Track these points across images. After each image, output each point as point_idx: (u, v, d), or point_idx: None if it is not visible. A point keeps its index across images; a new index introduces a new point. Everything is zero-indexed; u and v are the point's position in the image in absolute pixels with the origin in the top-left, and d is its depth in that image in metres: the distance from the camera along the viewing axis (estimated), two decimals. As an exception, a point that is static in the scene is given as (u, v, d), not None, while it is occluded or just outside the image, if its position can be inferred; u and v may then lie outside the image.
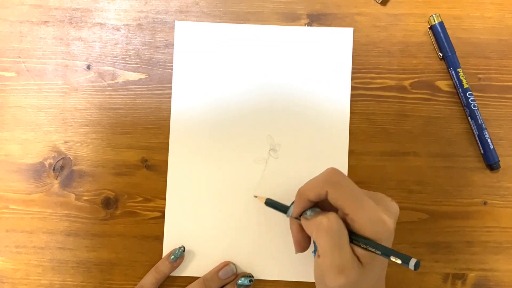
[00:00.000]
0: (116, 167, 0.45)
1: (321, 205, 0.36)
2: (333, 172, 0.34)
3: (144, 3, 0.46)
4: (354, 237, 0.33)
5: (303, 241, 0.38)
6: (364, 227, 0.32)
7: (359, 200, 0.33)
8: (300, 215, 0.36)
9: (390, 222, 0.33)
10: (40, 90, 0.46)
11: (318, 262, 0.34)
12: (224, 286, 0.43)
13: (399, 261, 0.31)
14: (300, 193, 0.36)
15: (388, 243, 0.33)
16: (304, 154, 0.44)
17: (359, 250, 0.33)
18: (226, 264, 0.43)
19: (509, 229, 0.45)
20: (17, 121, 0.45)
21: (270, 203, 0.40)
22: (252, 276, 0.43)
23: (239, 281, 0.42)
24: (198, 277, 0.43)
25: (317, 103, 0.45)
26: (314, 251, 0.38)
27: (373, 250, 0.32)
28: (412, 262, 0.31)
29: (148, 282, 0.43)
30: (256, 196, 0.43)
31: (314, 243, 0.36)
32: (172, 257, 0.43)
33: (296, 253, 0.39)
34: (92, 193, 0.45)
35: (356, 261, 0.32)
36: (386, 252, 0.32)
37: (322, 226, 0.33)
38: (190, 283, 0.43)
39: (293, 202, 0.37)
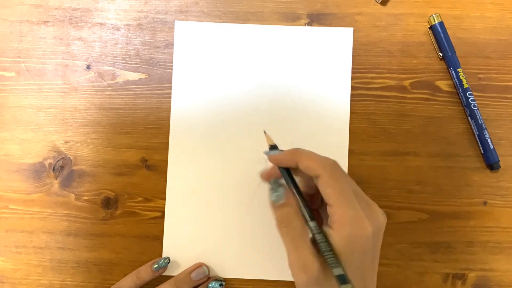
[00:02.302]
0: (116, 167, 0.45)
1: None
2: (336, 163, 0.34)
3: (144, 3, 0.46)
4: (321, 241, 0.32)
5: (271, 176, 0.37)
6: (342, 225, 0.32)
7: (347, 199, 0.32)
8: (269, 182, 0.36)
9: (369, 229, 0.32)
10: (40, 90, 0.46)
11: (288, 261, 0.34)
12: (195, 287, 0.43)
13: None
14: (296, 153, 0.35)
15: (365, 254, 0.32)
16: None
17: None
18: (199, 265, 0.43)
19: (509, 229, 0.45)
20: (17, 121, 0.45)
21: (273, 149, 0.37)
22: (223, 281, 0.43)
23: (210, 285, 0.43)
24: (172, 276, 0.43)
25: (317, 103, 0.45)
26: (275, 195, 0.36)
27: (330, 263, 0.31)
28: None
29: (126, 285, 0.42)
30: (265, 132, 0.39)
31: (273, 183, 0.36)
32: (156, 266, 0.42)
33: (261, 178, 0.37)
34: (92, 193, 0.45)
35: (316, 259, 0.32)
36: (338, 277, 0.31)
37: (281, 228, 0.33)
38: (162, 282, 0.43)
39: (280, 150, 0.36)
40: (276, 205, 0.34)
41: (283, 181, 0.36)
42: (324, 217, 0.37)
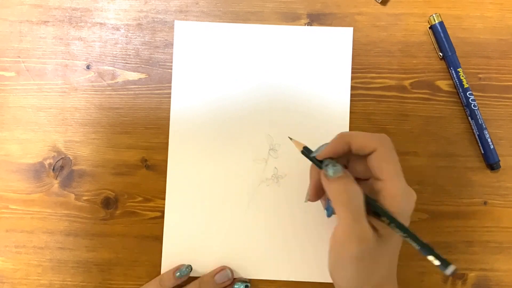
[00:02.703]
0: (116, 167, 0.45)
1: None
2: (386, 136, 0.34)
3: (144, 2, 0.46)
4: (379, 211, 0.33)
5: (318, 193, 0.37)
6: (395, 196, 0.33)
7: (399, 171, 0.33)
8: (322, 164, 0.35)
9: (414, 201, 0.33)
10: (40, 90, 0.46)
11: (336, 233, 0.33)
12: None
13: (434, 261, 0.31)
14: (343, 135, 0.35)
15: (408, 223, 0.33)
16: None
17: (377, 223, 0.33)
18: (223, 268, 0.43)
19: (509, 229, 0.45)
20: (17, 121, 0.45)
21: (306, 153, 0.37)
22: (249, 282, 0.43)
23: (235, 286, 0.43)
24: (197, 277, 0.43)
25: (317, 103, 0.45)
26: (328, 210, 0.37)
27: (399, 231, 0.32)
28: (451, 269, 0.30)
29: None
30: (291, 139, 0.38)
31: (328, 201, 0.36)
32: (178, 274, 0.42)
33: (305, 201, 0.38)
34: (92, 193, 0.45)
35: (373, 232, 0.32)
36: (408, 234, 0.32)
37: (342, 198, 0.33)
38: (188, 282, 0.43)
39: (324, 145, 0.35)
40: (333, 179, 0.34)
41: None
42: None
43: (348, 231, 0.32)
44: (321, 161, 0.35)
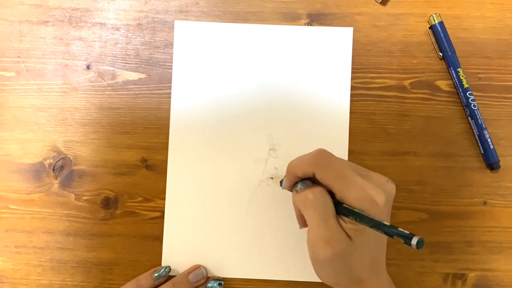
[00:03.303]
0: (116, 167, 0.45)
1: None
2: (320, 153, 0.35)
3: (144, 2, 0.46)
4: (344, 211, 0.34)
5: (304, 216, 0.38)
6: (356, 200, 0.33)
7: (347, 181, 0.33)
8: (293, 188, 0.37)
9: (380, 199, 0.33)
10: (40, 90, 0.46)
11: (308, 236, 0.35)
12: None
13: (399, 239, 0.30)
14: (289, 168, 0.36)
15: (383, 213, 0.33)
16: (303, 153, 0.44)
17: (345, 224, 0.34)
18: (197, 267, 0.43)
19: (509, 229, 0.45)
20: (17, 121, 0.45)
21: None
22: (222, 280, 0.43)
23: (209, 284, 0.43)
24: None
25: (317, 103, 0.45)
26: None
27: (365, 223, 0.32)
28: (414, 240, 0.28)
29: None
30: (272, 178, 0.44)
31: None
32: (156, 274, 0.42)
33: (300, 228, 0.39)
34: (92, 193, 0.45)
35: (343, 234, 0.33)
36: (378, 225, 0.31)
37: (308, 200, 0.34)
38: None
39: (284, 178, 0.38)
40: (301, 191, 0.35)
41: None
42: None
43: (317, 234, 0.33)
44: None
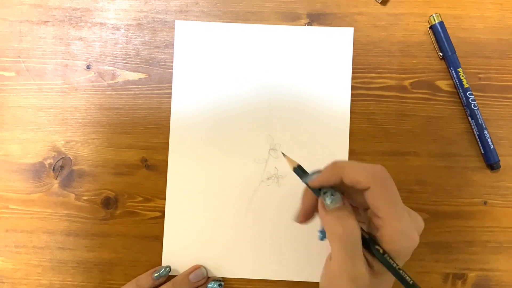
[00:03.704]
0: (116, 167, 0.45)
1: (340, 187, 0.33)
2: (384, 171, 0.31)
3: (144, 2, 0.46)
4: (374, 249, 0.31)
5: (309, 216, 0.35)
6: (393, 237, 0.30)
7: (398, 209, 0.31)
8: (320, 191, 0.33)
9: (417, 240, 0.31)
10: (40, 90, 0.46)
11: (329, 266, 0.32)
12: None
13: None
14: (336, 166, 0.32)
15: (406, 259, 0.32)
16: (304, 153, 0.44)
17: (371, 258, 0.31)
18: (197, 267, 0.43)
19: (510, 229, 0.45)
20: (17, 121, 0.45)
21: (300, 171, 0.35)
22: (222, 281, 0.43)
23: (209, 285, 0.43)
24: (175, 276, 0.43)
25: (317, 103, 0.45)
26: (321, 232, 0.35)
27: (388, 267, 0.31)
28: None
29: None
30: (284, 155, 0.37)
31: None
32: (156, 274, 0.42)
33: (295, 221, 0.35)
34: (92, 193, 0.45)
35: (368, 271, 0.31)
36: (399, 277, 0.30)
37: (337, 233, 0.31)
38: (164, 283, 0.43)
39: (317, 171, 0.33)
40: (330, 210, 0.32)
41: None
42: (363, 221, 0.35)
43: (341, 269, 0.31)
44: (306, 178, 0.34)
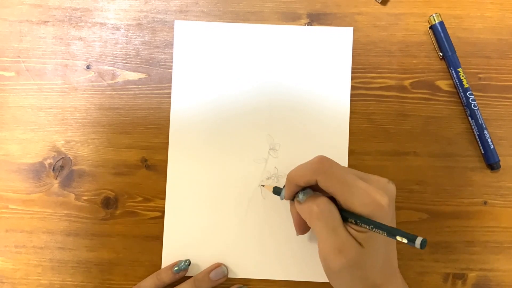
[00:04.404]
0: (116, 167, 0.45)
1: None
2: (322, 160, 0.35)
3: (144, 2, 0.46)
4: (349, 216, 0.34)
5: (303, 224, 0.38)
6: (359, 212, 0.33)
7: (349, 186, 0.33)
8: (294, 198, 0.37)
9: (384, 201, 0.33)
10: (40, 90, 0.46)
11: (319, 248, 0.34)
12: None
13: (402, 240, 0.30)
14: (289, 178, 0.36)
15: (386, 222, 0.33)
16: (304, 153, 0.44)
17: (354, 231, 0.33)
18: (218, 265, 0.43)
19: (510, 229, 0.45)
20: (17, 121, 0.45)
21: (277, 191, 0.41)
22: (247, 285, 0.44)
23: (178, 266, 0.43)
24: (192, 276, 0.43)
25: (317, 103, 0.45)
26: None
27: (367, 226, 0.32)
28: (418, 240, 0.29)
29: (147, 286, 0.42)
30: (263, 185, 0.43)
31: None
32: (176, 268, 0.42)
33: (297, 235, 0.40)
34: (92, 193, 0.45)
35: (353, 241, 0.33)
36: (381, 227, 0.32)
37: (313, 212, 0.34)
38: (184, 280, 0.43)
39: (283, 187, 0.38)
40: (304, 201, 0.35)
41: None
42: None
43: (327, 245, 0.33)
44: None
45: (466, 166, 0.45)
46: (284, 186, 0.38)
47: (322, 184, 0.34)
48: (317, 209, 0.34)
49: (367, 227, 0.32)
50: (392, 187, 0.36)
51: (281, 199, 0.39)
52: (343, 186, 0.33)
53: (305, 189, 0.36)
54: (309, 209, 0.35)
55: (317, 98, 0.45)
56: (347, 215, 0.34)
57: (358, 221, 0.33)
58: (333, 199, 0.35)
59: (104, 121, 0.45)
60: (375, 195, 0.33)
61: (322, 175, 0.34)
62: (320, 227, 0.34)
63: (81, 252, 0.45)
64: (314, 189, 0.37)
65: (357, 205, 0.33)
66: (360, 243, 0.33)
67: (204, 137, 0.45)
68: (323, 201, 0.34)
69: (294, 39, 0.45)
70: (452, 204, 0.45)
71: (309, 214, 0.34)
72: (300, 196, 0.36)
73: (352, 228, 0.34)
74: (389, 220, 0.34)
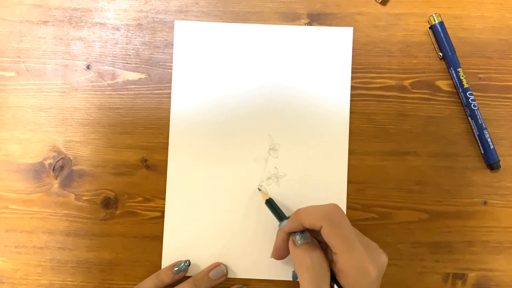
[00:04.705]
0: (116, 167, 0.45)
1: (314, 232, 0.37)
2: (334, 210, 0.35)
3: (144, 2, 0.46)
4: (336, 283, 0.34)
5: (283, 253, 0.39)
6: (347, 273, 0.33)
7: (350, 246, 0.33)
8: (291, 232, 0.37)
9: (374, 274, 0.33)
10: (40, 90, 0.46)
11: None
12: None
13: None
14: (297, 215, 0.36)
15: None
16: (304, 153, 0.44)
17: None
18: (217, 265, 0.43)
19: (510, 228, 0.45)
20: (17, 121, 0.45)
21: (270, 204, 0.42)
22: (246, 285, 0.44)
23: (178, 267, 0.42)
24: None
25: (317, 103, 0.45)
26: (294, 273, 0.41)
27: None
28: None
29: (147, 287, 0.42)
30: (260, 189, 0.43)
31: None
32: (176, 269, 0.42)
33: (271, 257, 0.40)
34: (92, 193, 0.45)
35: None
36: None
37: (304, 263, 0.34)
38: (183, 280, 0.43)
39: (289, 217, 0.38)
40: (298, 244, 0.35)
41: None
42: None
43: None
44: (279, 217, 0.40)
45: (466, 166, 0.45)
46: (288, 217, 0.39)
47: (325, 232, 0.34)
48: (309, 262, 0.34)
49: None
50: (385, 260, 0.36)
51: (280, 227, 0.39)
52: (343, 243, 0.33)
53: (303, 232, 0.37)
54: (301, 256, 0.35)
55: (317, 98, 0.45)
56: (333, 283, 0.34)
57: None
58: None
59: (104, 121, 0.45)
60: (368, 265, 0.33)
61: (329, 225, 0.34)
62: (306, 280, 0.33)
63: (81, 252, 0.45)
64: (313, 234, 0.37)
65: (350, 265, 0.33)
66: None
67: (204, 137, 0.45)
68: (317, 256, 0.34)
69: (294, 39, 0.45)
70: (452, 204, 0.45)
71: (300, 262, 0.35)
72: (297, 237, 0.36)
73: None
74: None
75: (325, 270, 0.34)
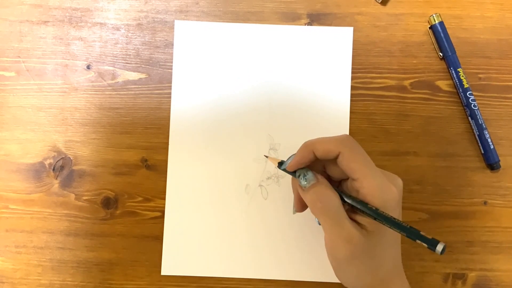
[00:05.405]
0: (116, 167, 0.45)
1: (312, 166, 0.36)
2: (350, 137, 0.35)
3: (144, 2, 0.46)
4: (359, 208, 0.33)
5: (303, 203, 0.37)
6: (373, 193, 0.33)
7: (370, 167, 0.33)
8: (295, 173, 0.36)
9: (396, 191, 0.33)
10: (40, 90, 0.46)
11: (325, 239, 0.34)
12: None
13: (422, 244, 0.30)
14: (307, 144, 0.35)
15: (395, 213, 0.33)
16: (304, 154, 0.44)
17: (363, 219, 0.33)
18: None
19: (510, 229, 0.45)
20: (17, 121, 0.45)
21: (280, 166, 0.38)
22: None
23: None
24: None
25: (317, 103, 0.45)
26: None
27: (382, 222, 0.32)
28: (440, 247, 0.29)
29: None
30: (267, 156, 0.41)
31: None
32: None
33: (293, 213, 0.38)
34: (92, 193, 0.45)
35: (361, 231, 0.33)
36: (400, 227, 0.31)
37: (317, 207, 0.34)
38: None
39: (292, 156, 0.36)
40: (307, 188, 0.34)
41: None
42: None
43: (332, 237, 0.33)
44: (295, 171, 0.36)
45: (466, 166, 0.45)
46: (291, 156, 0.36)
47: (344, 158, 0.33)
48: (320, 205, 0.33)
49: (382, 222, 0.32)
50: (401, 182, 0.35)
51: (282, 168, 0.36)
52: (365, 166, 0.33)
53: (307, 172, 0.35)
54: (312, 202, 0.34)
55: (317, 98, 0.45)
56: (357, 206, 0.33)
57: (376, 217, 0.32)
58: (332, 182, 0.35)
59: (104, 121, 0.45)
60: (389, 184, 0.33)
61: (348, 149, 0.33)
62: (325, 220, 0.33)
63: (81, 252, 0.45)
64: (317, 170, 0.35)
65: (373, 186, 0.32)
66: (367, 230, 0.33)
67: (204, 137, 0.45)
68: (325, 196, 0.34)
69: (294, 39, 0.45)
70: (452, 204, 0.45)
71: (313, 207, 0.34)
72: (302, 182, 0.35)
73: (359, 215, 0.33)
74: (398, 213, 0.34)
75: (338, 206, 0.33)
